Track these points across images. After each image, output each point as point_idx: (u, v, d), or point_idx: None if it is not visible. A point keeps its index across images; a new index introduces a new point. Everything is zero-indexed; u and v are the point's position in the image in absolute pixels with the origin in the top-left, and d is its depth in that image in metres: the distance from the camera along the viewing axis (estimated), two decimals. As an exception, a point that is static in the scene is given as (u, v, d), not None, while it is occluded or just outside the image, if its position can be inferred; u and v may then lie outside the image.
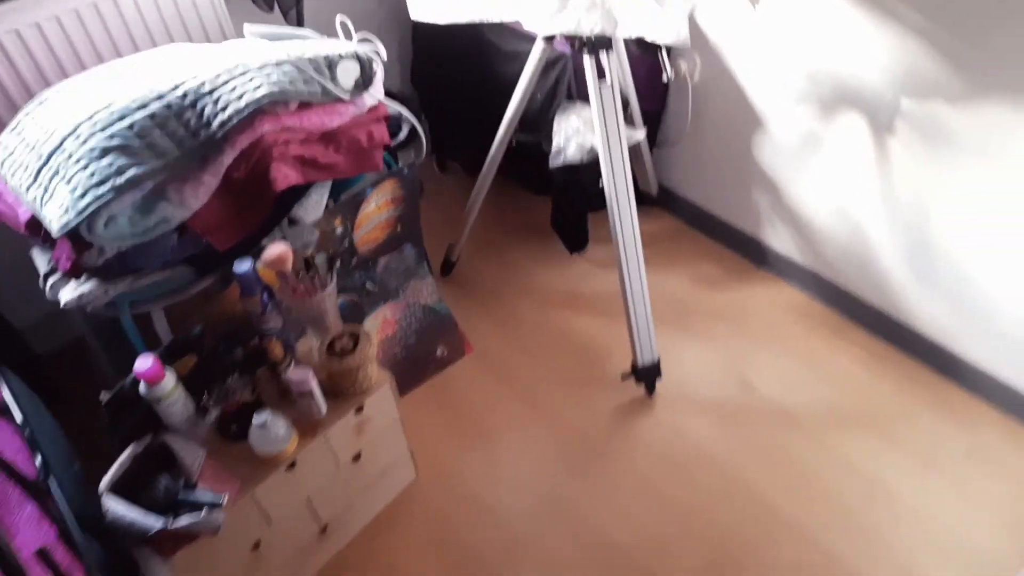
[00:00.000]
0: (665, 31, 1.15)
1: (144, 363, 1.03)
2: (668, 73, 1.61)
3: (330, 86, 1.17)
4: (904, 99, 1.34)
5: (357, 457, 1.26)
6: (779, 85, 1.55)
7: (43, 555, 0.84)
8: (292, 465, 1.13)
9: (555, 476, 1.44)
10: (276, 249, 1.15)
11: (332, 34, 1.34)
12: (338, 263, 1.33)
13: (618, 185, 1.35)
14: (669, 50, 1.68)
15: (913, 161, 1.39)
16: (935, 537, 1.31)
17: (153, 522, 0.97)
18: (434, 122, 2.09)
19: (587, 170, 1.55)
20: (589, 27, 1.18)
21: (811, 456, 1.44)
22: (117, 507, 0.99)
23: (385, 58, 1.29)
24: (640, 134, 1.69)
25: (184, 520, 0.98)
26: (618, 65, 1.59)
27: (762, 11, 1.50)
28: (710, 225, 1.94)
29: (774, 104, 1.58)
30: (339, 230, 1.35)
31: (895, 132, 1.39)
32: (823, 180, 1.59)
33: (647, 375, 1.54)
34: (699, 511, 1.37)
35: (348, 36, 1.29)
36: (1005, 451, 1.43)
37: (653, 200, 2.01)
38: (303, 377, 1.11)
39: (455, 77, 1.90)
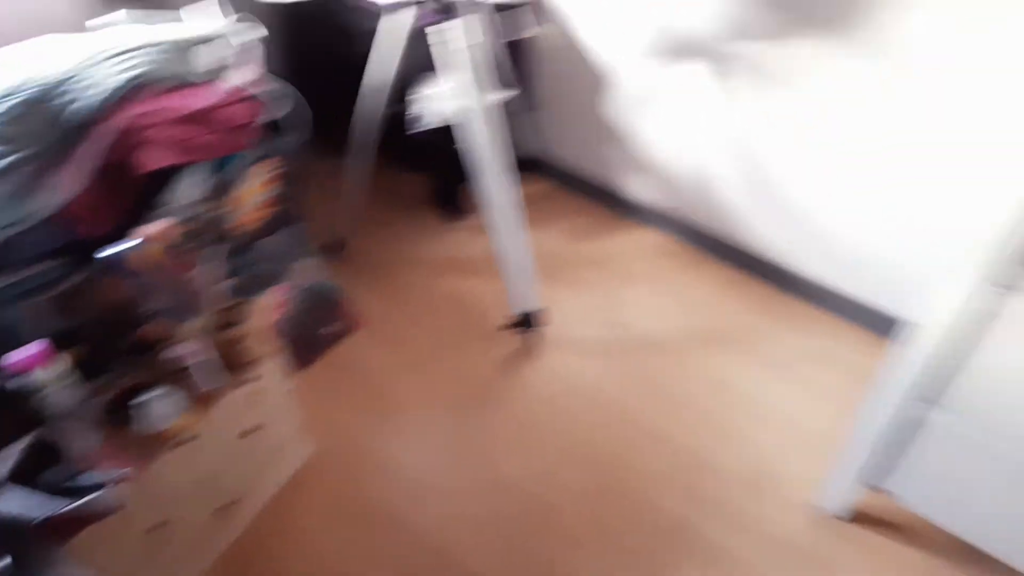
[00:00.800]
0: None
1: (26, 352, 1.03)
2: (531, 31, 1.70)
3: (197, 67, 1.20)
4: (727, 44, 1.50)
5: (251, 431, 1.29)
6: (622, 42, 1.68)
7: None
8: (185, 441, 1.16)
9: (450, 427, 1.52)
10: (154, 227, 1.17)
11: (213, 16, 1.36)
12: (220, 244, 1.35)
13: (481, 144, 1.43)
14: (526, 9, 1.76)
15: (739, 99, 1.55)
16: (782, 425, 1.49)
17: (38, 510, 0.98)
18: (316, 105, 2.10)
19: (444, 134, 1.62)
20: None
21: (678, 376, 1.59)
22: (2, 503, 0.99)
23: (262, 38, 1.31)
24: (503, 96, 1.77)
25: (72, 504, 0.99)
26: (480, 29, 1.66)
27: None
28: (578, 183, 2.06)
29: (620, 61, 1.72)
30: (217, 211, 1.37)
31: (722, 74, 1.55)
32: (667, 127, 1.74)
33: (529, 323, 1.64)
34: (584, 441, 1.48)
35: (224, 17, 1.31)
36: (838, 349, 1.64)
37: (528, 164, 2.11)
38: (188, 352, 1.13)
39: (328, 60, 1.93)
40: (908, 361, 1.02)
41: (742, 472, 1.42)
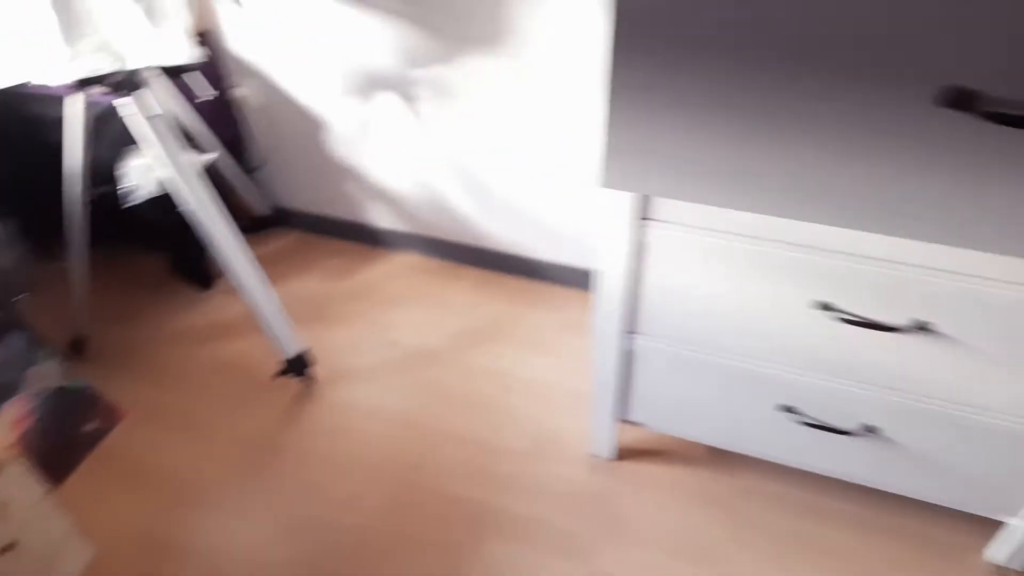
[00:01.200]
0: (172, 52, 1.28)
1: None
2: (207, 93, 1.74)
3: None
4: (411, 71, 1.65)
5: (9, 547, 1.20)
6: (324, 86, 1.78)
7: None
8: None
9: (244, 489, 1.51)
10: None
11: None
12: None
13: (200, 209, 1.45)
14: (201, 71, 1.79)
15: (438, 115, 1.71)
16: (549, 393, 1.65)
17: None
18: (25, 204, 1.96)
19: (166, 206, 1.61)
20: (96, 68, 1.26)
21: (453, 377, 1.70)
22: None
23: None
24: (210, 158, 1.79)
25: None
26: (163, 97, 1.68)
27: (288, 27, 1.70)
28: (326, 226, 2.12)
29: (327, 103, 1.81)
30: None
31: (417, 97, 1.69)
32: (386, 154, 1.86)
33: (299, 366, 1.67)
34: (378, 459, 1.54)
35: None
36: (582, 315, 1.84)
37: (272, 220, 2.14)
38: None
39: (27, 156, 1.83)
40: (605, 302, 1.19)
41: (526, 445, 1.55)
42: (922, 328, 1.01)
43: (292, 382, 1.70)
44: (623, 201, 1.03)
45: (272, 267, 2.03)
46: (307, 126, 1.88)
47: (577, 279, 1.90)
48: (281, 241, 2.15)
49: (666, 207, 1.03)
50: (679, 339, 1.20)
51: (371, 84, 1.72)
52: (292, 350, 1.64)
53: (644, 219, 1.05)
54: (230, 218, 1.47)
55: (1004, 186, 0.59)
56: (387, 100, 1.73)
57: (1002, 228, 0.61)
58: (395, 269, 2.03)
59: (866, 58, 0.56)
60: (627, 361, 1.28)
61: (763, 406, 1.24)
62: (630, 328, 1.22)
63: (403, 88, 1.69)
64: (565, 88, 1.56)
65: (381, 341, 1.81)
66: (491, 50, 1.54)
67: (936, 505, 1.32)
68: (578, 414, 1.59)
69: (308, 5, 1.64)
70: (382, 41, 1.63)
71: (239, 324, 1.88)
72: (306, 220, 2.13)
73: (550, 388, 1.67)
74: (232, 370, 1.77)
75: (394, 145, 1.82)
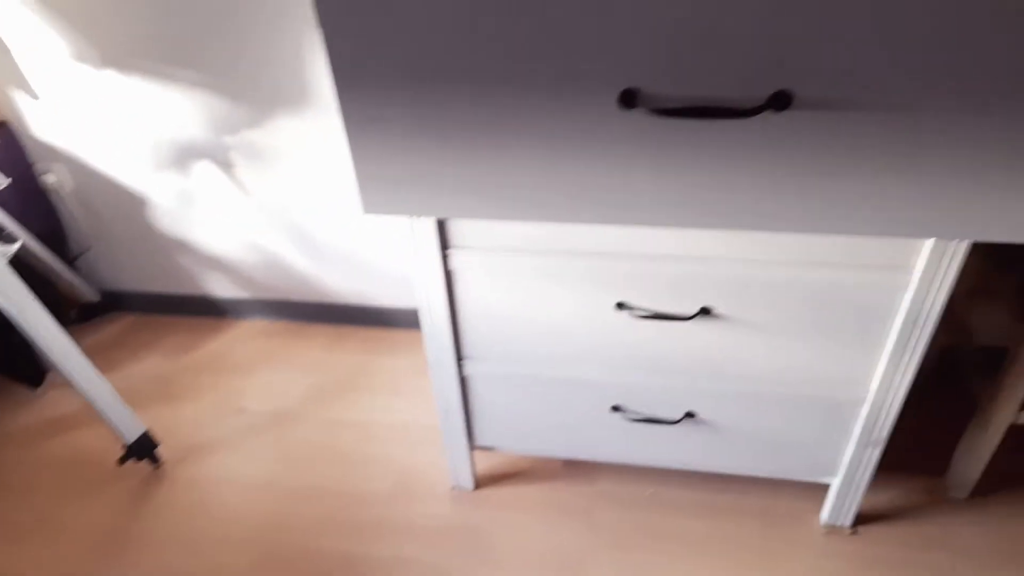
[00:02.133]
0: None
1: None
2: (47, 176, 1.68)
3: None
4: (225, 136, 1.65)
5: None
6: (140, 163, 1.74)
7: None
8: None
9: (88, 588, 1.41)
10: None
11: None
12: None
13: (14, 304, 1.37)
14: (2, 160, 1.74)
15: (256, 175, 1.72)
16: (407, 434, 1.66)
17: None
18: None
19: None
20: None
21: (311, 435, 1.68)
22: None
23: None
24: (14, 248, 1.70)
25: None
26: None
27: (91, 109, 1.67)
28: (164, 303, 2.06)
29: (147, 180, 1.78)
30: None
31: (234, 163, 1.70)
32: (216, 223, 1.83)
33: (142, 449, 1.59)
34: (241, 526, 1.49)
35: None
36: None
37: (103, 306, 2.05)
38: None
39: None
40: (430, 333, 1.23)
41: (388, 488, 1.54)
42: (706, 313, 1.10)
43: (139, 467, 1.62)
44: (424, 233, 1.07)
45: (108, 352, 1.94)
46: (128, 205, 1.84)
47: (426, 320, 1.93)
48: (116, 326, 2.07)
49: (462, 234, 1.08)
50: (505, 358, 1.25)
51: (186, 155, 1.71)
52: (133, 434, 1.57)
53: (446, 248, 1.10)
54: (48, 309, 1.41)
55: (695, 171, 0.68)
56: (205, 169, 1.73)
57: (708, 207, 0.70)
58: (240, 337, 1.99)
59: (554, 70, 0.63)
60: (464, 387, 1.32)
61: (596, 410, 1.30)
62: (459, 355, 1.26)
63: (218, 156, 1.69)
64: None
65: (231, 410, 1.76)
66: (299, 111, 1.58)
67: (770, 479, 1.42)
68: (437, 450, 1.61)
69: (108, 86, 1.62)
70: (190, 113, 1.63)
71: (77, 416, 1.78)
72: (140, 300, 2.06)
73: (408, 429, 1.68)
74: (74, 465, 1.66)
75: (220, 212, 1.81)
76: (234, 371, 1.87)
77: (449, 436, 1.41)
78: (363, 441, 1.66)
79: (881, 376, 1.13)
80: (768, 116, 0.61)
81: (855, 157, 0.64)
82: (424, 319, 1.21)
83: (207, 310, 2.04)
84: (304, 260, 1.87)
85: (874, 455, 1.25)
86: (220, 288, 1.99)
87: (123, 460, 1.59)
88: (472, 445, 1.43)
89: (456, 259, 1.11)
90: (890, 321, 1.07)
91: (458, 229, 1.08)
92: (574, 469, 1.55)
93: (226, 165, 1.71)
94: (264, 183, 1.73)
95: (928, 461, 1.50)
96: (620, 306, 1.13)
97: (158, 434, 1.65)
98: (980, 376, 1.35)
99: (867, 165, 0.64)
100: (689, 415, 1.26)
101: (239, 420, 1.73)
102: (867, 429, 1.21)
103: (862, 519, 1.42)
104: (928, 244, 0.96)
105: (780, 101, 0.61)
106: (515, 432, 1.39)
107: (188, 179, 1.76)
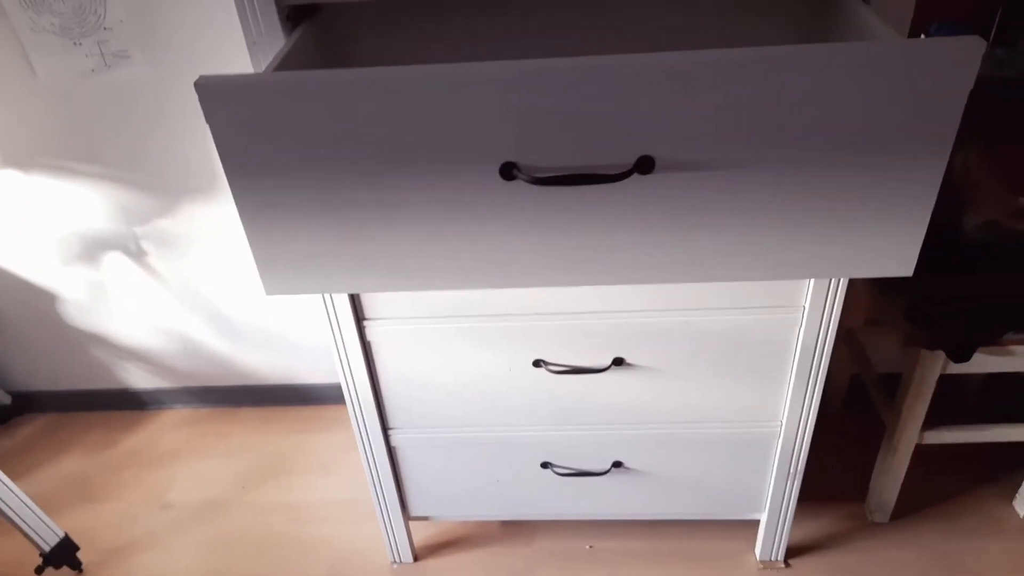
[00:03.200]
0: None
1: None
2: None
3: None
4: (135, 227, 1.64)
5: None
6: (44, 258, 1.71)
7: None
8: None
9: None
10: None
11: None
12: None
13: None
14: None
15: (169, 263, 1.70)
16: (343, 512, 1.63)
17: None
18: None
19: None
20: None
21: (242, 524, 1.63)
22: None
23: None
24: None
25: None
26: None
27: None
28: (78, 401, 1.98)
29: (53, 274, 1.73)
30: None
31: (147, 252, 1.68)
32: (131, 312, 1.79)
33: (61, 555, 1.51)
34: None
35: None
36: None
37: (13, 409, 1.97)
38: None
39: None
40: (355, 406, 1.23)
41: (328, 571, 1.50)
42: (620, 363, 1.14)
43: (59, 574, 1.54)
44: (340, 307, 1.09)
45: (22, 456, 1.85)
46: (36, 302, 1.79)
47: (356, 393, 1.92)
48: (29, 428, 1.97)
49: (376, 305, 1.10)
50: (431, 424, 1.25)
51: (96, 248, 1.68)
52: (51, 540, 1.49)
53: (362, 320, 1.12)
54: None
55: (575, 232, 0.72)
56: (116, 260, 1.70)
57: (591, 265, 0.74)
58: (162, 428, 1.92)
59: (436, 151, 0.67)
60: (393, 458, 1.31)
61: (526, 469, 1.31)
62: (384, 425, 1.26)
63: (129, 246, 1.67)
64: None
65: (155, 506, 1.69)
66: (210, 197, 1.58)
67: (705, 521, 1.45)
68: (374, 526, 1.58)
69: (9, 185, 1.59)
70: (98, 206, 1.61)
71: (-14, 530, 1.68)
72: (54, 399, 1.98)
73: (344, 507, 1.64)
74: (-19, 584, 1.56)
75: (134, 302, 1.77)
76: (158, 464, 1.81)
77: (383, 509, 1.39)
78: (298, 524, 1.61)
79: (788, 409, 1.19)
80: (636, 179, 0.67)
81: (718, 210, 0.69)
82: (347, 392, 1.21)
83: (126, 403, 1.97)
84: (224, 343, 1.84)
85: (795, 487, 1.30)
86: (138, 380, 1.94)
87: (41, 569, 1.50)
88: (407, 516, 1.42)
89: (373, 331, 1.13)
90: (789, 356, 1.13)
91: (371, 301, 1.10)
92: (512, 530, 1.54)
93: (138, 255, 1.69)
94: (178, 269, 1.71)
95: (849, 488, 1.56)
96: (537, 363, 1.16)
97: (78, 537, 1.57)
98: (884, 401, 1.43)
99: (730, 217, 0.70)
100: (616, 464, 1.29)
101: (165, 516, 1.67)
102: (784, 462, 1.26)
103: (794, 551, 1.46)
104: (811, 282, 1.03)
105: (644, 165, 0.66)
106: (449, 499, 1.38)
107: (99, 272, 1.73)
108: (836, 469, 1.60)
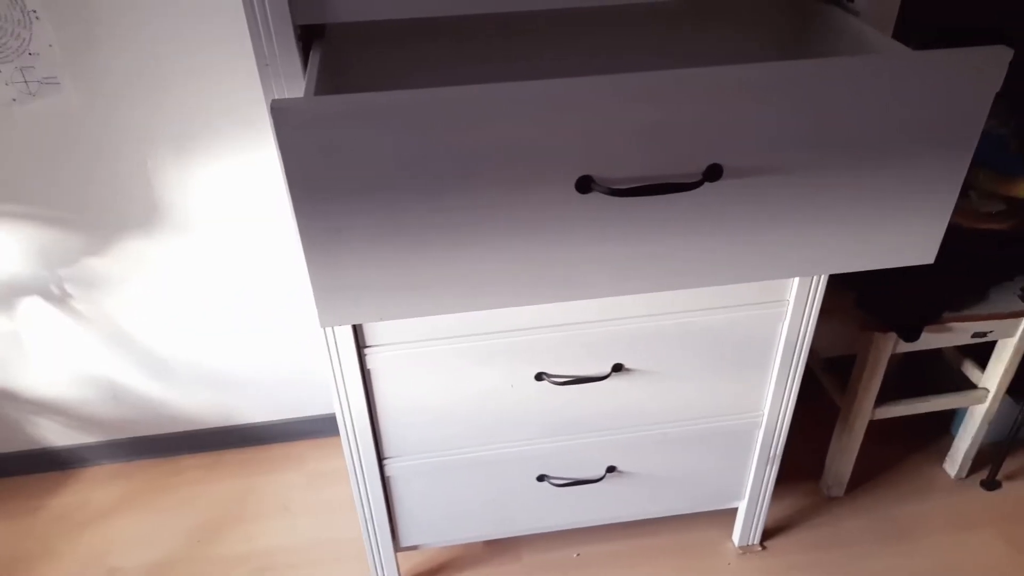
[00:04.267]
0: None
1: None
2: None
3: None
4: (60, 269, 1.49)
5: None
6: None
7: None
8: None
9: None
10: None
11: None
12: None
13: None
14: None
15: (94, 305, 1.56)
16: (325, 552, 1.55)
17: None
18: None
19: None
20: None
21: (203, 579, 1.51)
22: None
23: None
24: None
25: None
26: None
27: None
28: (-12, 467, 1.77)
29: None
30: None
31: (70, 295, 1.53)
32: (50, 363, 1.63)
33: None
34: None
35: None
36: (326, 462, 1.77)
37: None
38: None
39: None
40: (350, 439, 1.18)
41: (304, 619, 1.42)
42: (619, 369, 1.17)
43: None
44: (342, 336, 1.05)
45: (-76, 539, 1.63)
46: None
47: (308, 429, 1.83)
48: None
49: (377, 332, 1.07)
50: (428, 449, 1.23)
51: (9, 295, 1.51)
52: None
53: (362, 348, 1.08)
54: None
55: (642, 241, 0.74)
56: (33, 306, 1.54)
57: (646, 274, 0.77)
58: (93, 486, 1.75)
59: (515, 168, 0.67)
60: (387, 487, 1.27)
61: (522, 483, 1.31)
62: (380, 456, 1.22)
63: (49, 290, 1.52)
64: (235, 253, 1.54)
65: (100, 571, 1.54)
66: (146, 232, 1.47)
67: (685, 515, 1.51)
68: (347, 566, 1.51)
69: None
70: (13, 249, 1.46)
71: None
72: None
73: (315, 550, 1.56)
74: None
75: (52, 351, 1.61)
76: (95, 528, 1.64)
77: (372, 544, 1.34)
78: (266, 572, 1.52)
79: (771, 399, 1.26)
80: (705, 186, 0.70)
81: (775, 212, 0.74)
82: (343, 424, 1.16)
83: (47, 464, 1.78)
84: (158, 387, 1.70)
85: (773, 472, 1.38)
86: (59, 436, 1.75)
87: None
88: (397, 547, 1.37)
89: (373, 358, 1.09)
90: (773, 348, 1.20)
91: (373, 328, 1.07)
92: (497, 548, 1.53)
93: (60, 298, 1.53)
94: (106, 312, 1.57)
95: (803, 467, 1.67)
96: (540, 376, 1.16)
97: (13, 622, 1.40)
98: (834, 384, 1.55)
99: (783, 218, 0.74)
100: (611, 469, 1.31)
101: (111, 583, 1.52)
102: (764, 449, 1.33)
103: (766, 534, 1.54)
104: (796, 279, 1.10)
105: (713, 173, 0.69)
106: (440, 524, 1.35)
107: (12, 322, 1.55)
108: (790, 453, 1.71)
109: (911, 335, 1.34)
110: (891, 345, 1.37)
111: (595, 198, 0.69)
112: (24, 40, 1.23)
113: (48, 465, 1.78)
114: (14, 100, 1.28)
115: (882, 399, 1.47)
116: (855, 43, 0.86)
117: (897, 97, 0.69)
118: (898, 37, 0.84)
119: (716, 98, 0.66)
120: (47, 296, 1.53)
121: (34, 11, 1.20)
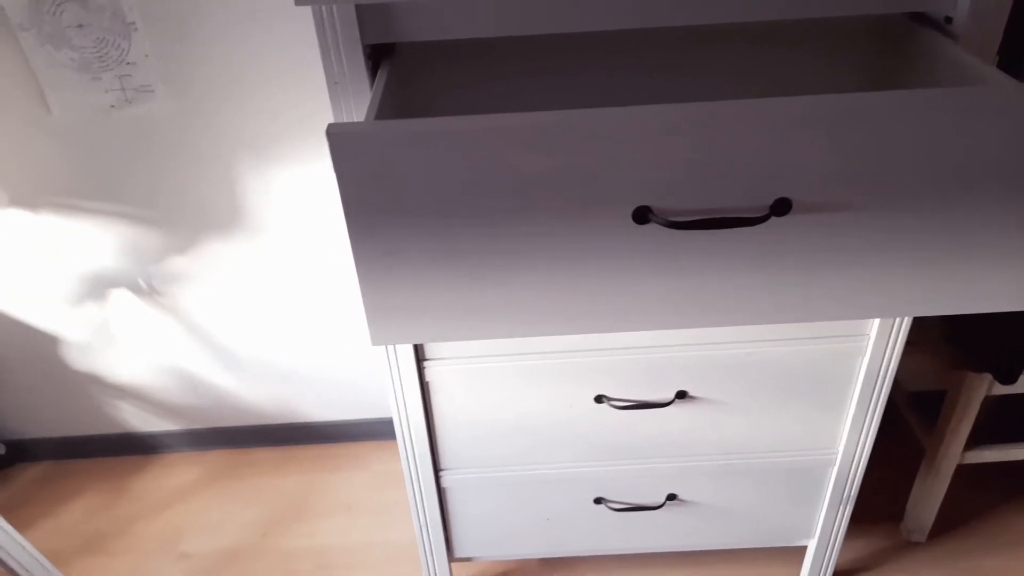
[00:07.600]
0: None
1: None
2: None
3: None
4: (148, 265, 1.57)
5: None
6: (45, 298, 1.62)
7: None
8: None
9: None
10: None
11: None
12: None
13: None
14: None
15: (179, 301, 1.63)
16: (375, 557, 1.57)
17: None
18: None
19: None
20: None
21: (270, 570, 1.56)
22: None
23: None
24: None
25: None
26: None
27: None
28: (80, 448, 1.88)
29: (53, 315, 1.65)
30: None
31: (159, 291, 1.61)
32: (131, 351, 1.71)
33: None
34: None
35: None
36: (393, 465, 1.79)
37: (7, 458, 1.85)
38: None
39: None
40: (408, 449, 1.19)
41: (358, 621, 1.45)
42: (682, 396, 1.13)
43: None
44: (401, 348, 1.06)
45: (19, 510, 1.75)
46: (34, 344, 1.69)
47: (373, 430, 1.86)
48: (25, 477, 1.86)
49: (437, 346, 1.07)
50: (484, 464, 1.22)
51: (102, 287, 1.61)
52: (63, 602, 1.40)
53: (422, 361, 1.08)
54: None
55: (700, 275, 0.71)
56: (122, 299, 1.63)
57: (708, 308, 0.73)
58: (171, 473, 1.84)
59: (571, 198, 0.66)
60: (443, 499, 1.27)
61: (578, 505, 1.29)
62: (436, 467, 1.22)
63: (138, 284, 1.60)
64: (307, 257, 1.58)
65: (171, 557, 1.61)
66: (228, 234, 1.53)
67: (750, 549, 1.45)
68: (405, 569, 1.53)
69: (13, 225, 1.51)
70: (108, 244, 1.54)
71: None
72: (53, 447, 1.88)
73: (372, 550, 1.59)
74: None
75: (140, 342, 1.70)
76: (169, 512, 1.72)
77: (427, 552, 1.35)
78: (324, 570, 1.55)
79: (847, 437, 1.19)
80: (771, 222, 0.66)
81: (850, 249, 0.69)
82: (401, 433, 1.17)
83: (132, 448, 1.88)
84: (232, 381, 1.77)
85: (846, 513, 1.30)
86: (144, 423, 1.85)
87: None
88: (451, 558, 1.37)
89: (432, 371, 1.09)
90: (851, 385, 1.13)
91: (435, 344, 1.07)
92: (552, 566, 1.51)
93: (147, 293, 1.62)
94: (189, 308, 1.65)
95: (884, 509, 1.57)
96: (599, 399, 1.14)
97: (91, 597, 1.49)
98: (920, 421, 1.45)
99: (861, 256, 0.69)
100: (671, 497, 1.27)
101: (182, 566, 1.59)
102: (838, 488, 1.26)
103: (837, 575, 1.46)
104: (879, 311, 1.04)
105: (781, 207, 0.65)
106: (495, 538, 1.34)
107: (103, 311, 1.65)
108: (868, 490, 1.62)
109: (1007, 378, 1.24)
110: (985, 386, 1.27)
111: (653, 229, 0.66)
112: (123, 50, 1.29)
113: (131, 449, 1.88)
114: (112, 107, 1.35)
115: (973, 442, 1.36)
116: (951, 70, 0.80)
117: (997, 131, 0.63)
118: (1004, 64, 0.77)
119: (780, 130, 0.62)
120: (135, 289, 1.62)
121: (133, 23, 1.27)
